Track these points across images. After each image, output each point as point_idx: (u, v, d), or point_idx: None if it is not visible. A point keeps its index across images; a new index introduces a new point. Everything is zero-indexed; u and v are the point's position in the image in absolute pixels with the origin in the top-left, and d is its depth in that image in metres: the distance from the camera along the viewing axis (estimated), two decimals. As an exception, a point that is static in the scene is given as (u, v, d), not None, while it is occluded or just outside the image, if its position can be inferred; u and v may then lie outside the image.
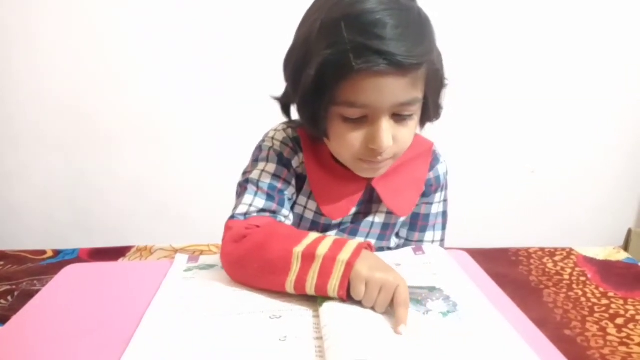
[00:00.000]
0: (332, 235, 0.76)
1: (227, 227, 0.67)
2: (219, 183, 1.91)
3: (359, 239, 0.77)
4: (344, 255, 0.55)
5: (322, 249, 0.57)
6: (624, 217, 2.11)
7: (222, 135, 1.88)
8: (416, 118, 0.64)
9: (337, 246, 0.57)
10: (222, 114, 1.86)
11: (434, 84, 0.64)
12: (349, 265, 0.54)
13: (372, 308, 0.55)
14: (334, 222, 0.76)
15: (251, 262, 0.60)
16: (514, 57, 1.84)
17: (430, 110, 0.66)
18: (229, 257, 0.64)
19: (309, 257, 0.57)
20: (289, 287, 0.57)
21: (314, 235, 0.60)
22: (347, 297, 0.55)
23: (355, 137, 0.62)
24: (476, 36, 1.80)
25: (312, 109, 0.62)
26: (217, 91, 1.83)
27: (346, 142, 0.63)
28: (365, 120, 0.61)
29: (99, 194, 1.94)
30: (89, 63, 1.78)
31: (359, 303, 0.55)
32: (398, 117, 0.61)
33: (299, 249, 0.57)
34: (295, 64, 0.63)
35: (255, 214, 0.68)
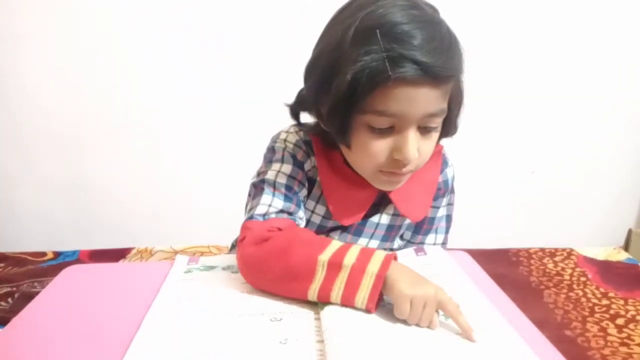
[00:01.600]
0: (336, 236, 0.76)
1: (246, 228, 0.65)
2: (219, 184, 1.91)
3: (363, 241, 0.77)
4: (373, 266, 0.55)
5: (349, 259, 0.56)
6: (624, 218, 2.10)
7: (222, 136, 1.87)
8: (439, 131, 0.64)
9: (365, 256, 0.56)
10: (221, 114, 1.85)
11: (457, 99, 0.64)
12: (379, 277, 0.54)
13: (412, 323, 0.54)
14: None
15: (272, 267, 0.59)
16: (513, 56, 1.84)
17: (450, 125, 0.66)
18: (248, 259, 0.62)
19: (335, 266, 0.56)
20: (312, 295, 0.56)
21: (337, 243, 0.60)
22: (375, 309, 0.55)
23: (380, 148, 0.60)
24: (474, 35, 1.80)
25: (340, 116, 0.60)
26: (217, 91, 1.82)
27: (370, 152, 0.61)
28: (392, 130, 0.60)
29: (99, 196, 1.94)
30: (88, 63, 1.78)
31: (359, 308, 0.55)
32: (423, 129, 0.61)
33: (324, 257, 0.57)
34: (323, 71, 0.61)
35: (274, 215, 0.67)
